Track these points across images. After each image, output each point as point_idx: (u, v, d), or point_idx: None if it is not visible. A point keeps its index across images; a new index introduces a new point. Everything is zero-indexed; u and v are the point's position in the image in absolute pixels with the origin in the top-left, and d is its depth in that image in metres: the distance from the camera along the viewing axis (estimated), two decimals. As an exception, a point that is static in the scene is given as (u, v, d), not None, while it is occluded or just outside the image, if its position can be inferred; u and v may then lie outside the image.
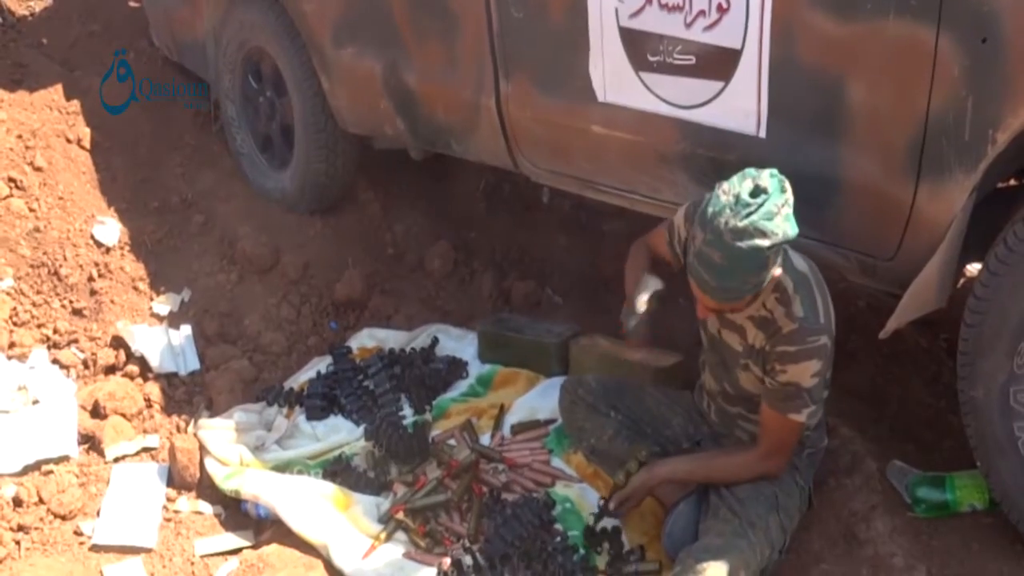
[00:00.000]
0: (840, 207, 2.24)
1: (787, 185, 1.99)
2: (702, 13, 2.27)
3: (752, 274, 1.99)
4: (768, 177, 1.98)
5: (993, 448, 2.11)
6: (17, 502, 2.69)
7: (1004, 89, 1.86)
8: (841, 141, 2.16)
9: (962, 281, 2.65)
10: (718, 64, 2.29)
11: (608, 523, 2.45)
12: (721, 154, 2.39)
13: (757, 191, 1.96)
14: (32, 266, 3.31)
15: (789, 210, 1.98)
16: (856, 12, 2.03)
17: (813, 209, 2.29)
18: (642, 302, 2.36)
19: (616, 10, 2.44)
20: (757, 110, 2.27)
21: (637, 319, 2.36)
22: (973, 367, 2.09)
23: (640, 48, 2.43)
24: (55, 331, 3.21)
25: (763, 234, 1.93)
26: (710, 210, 1.98)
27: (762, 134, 2.29)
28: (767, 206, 1.94)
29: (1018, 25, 1.81)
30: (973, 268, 2.42)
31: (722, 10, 2.23)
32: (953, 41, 1.90)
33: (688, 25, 2.31)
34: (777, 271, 2.04)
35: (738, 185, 1.98)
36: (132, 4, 4.59)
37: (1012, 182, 2.36)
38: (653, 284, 2.39)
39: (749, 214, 1.93)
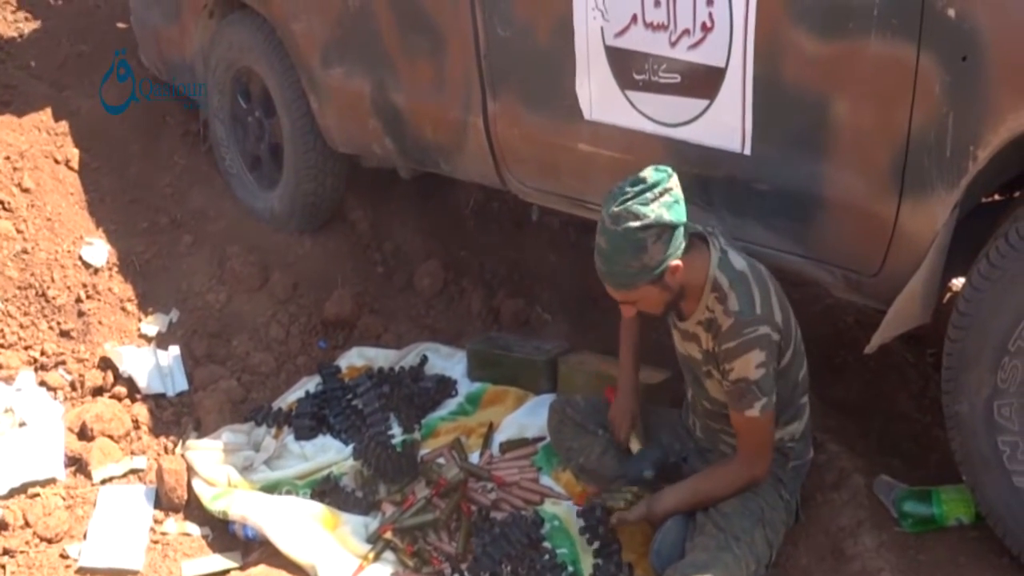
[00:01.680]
0: (824, 223, 2.25)
1: (673, 178, 2.12)
2: (687, 32, 2.29)
3: (631, 256, 2.10)
4: (652, 170, 2.13)
5: (978, 462, 2.12)
6: (3, 525, 2.67)
7: (984, 106, 1.88)
8: (825, 158, 2.18)
9: (948, 296, 2.67)
10: (703, 82, 2.31)
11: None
12: (707, 171, 2.41)
13: (637, 181, 2.11)
14: (19, 288, 3.29)
15: (670, 199, 2.09)
16: (838, 30, 2.05)
17: (798, 225, 2.31)
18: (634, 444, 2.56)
19: (602, 29, 2.46)
20: (742, 128, 2.29)
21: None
22: (957, 382, 2.11)
23: (626, 67, 2.45)
24: (42, 353, 3.19)
25: (635, 216, 2.07)
26: (602, 205, 2.13)
27: (747, 151, 2.31)
28: (645, 194, 2.08)
29: (998, 43, 1.84)
30: (959, 283, 2.44)
31: (706, 29, 2.25)
32: (934, 59, 1.92)
33: (673, 44, 2.33)
34: (674, 262, 2.12)
35: (626, 180, 2.13)
36: (120, 25, 4.60)
37: (995, 197, 2.38)
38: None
39: (625, 200, 2.09)
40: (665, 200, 2.09)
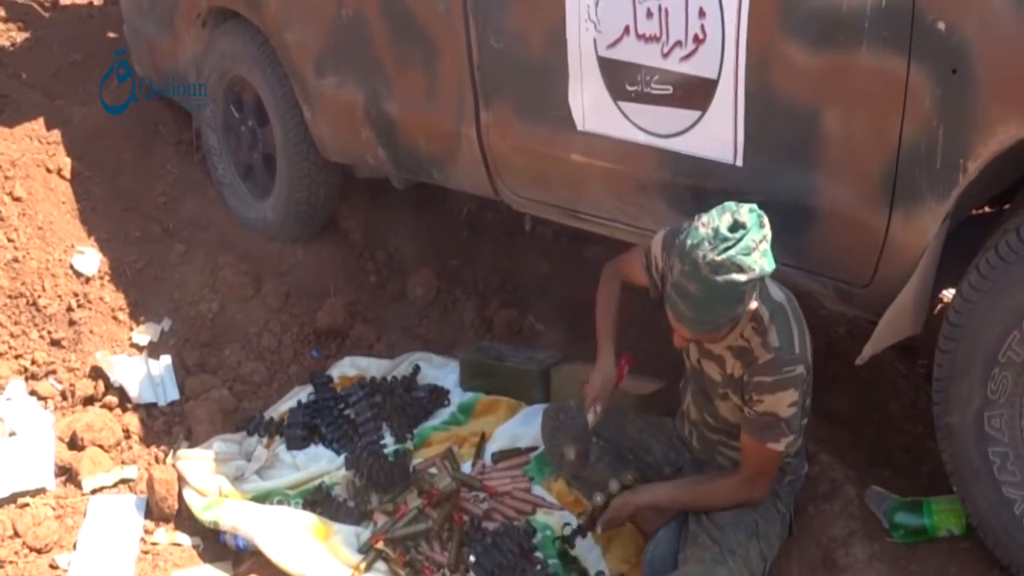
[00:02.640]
0: (816, 235, 2.26)
1: (766, 221, 2.02)
2: (679, 43, 2.30)
3: (728, 308, 2.01)
4: (747, 212, 2.01)
5: (969, 473, 2.13)
6: (-8, 535, 2.66)
7: (974, 119, 1.89)
8: (816, 170, 2.19)
9: (938, 307, 2.68)
10: (695, 94, 2.31)
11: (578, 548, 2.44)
12: (699, 182, 2.42)
13: (736, 226, 1.98)
14: (10, 296, 3.28)
15: (767, 246, 2.01)
16: (829, 43, 2.06)
17: (790, 237, 2.31)
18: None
19: (595, 40, 2.47)
20: (734, 139, 2.30)
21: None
22: (948, 393, 2.11)
23: (618, 78, 2.46)
24: (33, 362, 3.18)
25: (740, 269, 1.96)
26: (689, 242, 2.00)
27: (739, 163, 2.31)
28: (745, 241, 1.96)
29: (986, 56, 1.85)
30: (949, 294, 2.45)
31: (698, 40, 2.26)
32: (924, 71, 1.93)
33: (665, 55, 2.34)
34: (753, 304, 2.06)
35: (717, 219, 2.00)
36: (111, 35, 4.60)
37: (986, 209, 2.40)
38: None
39: (727, 248, 1.95)
40: (763, 248, 1.99)
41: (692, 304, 2.02)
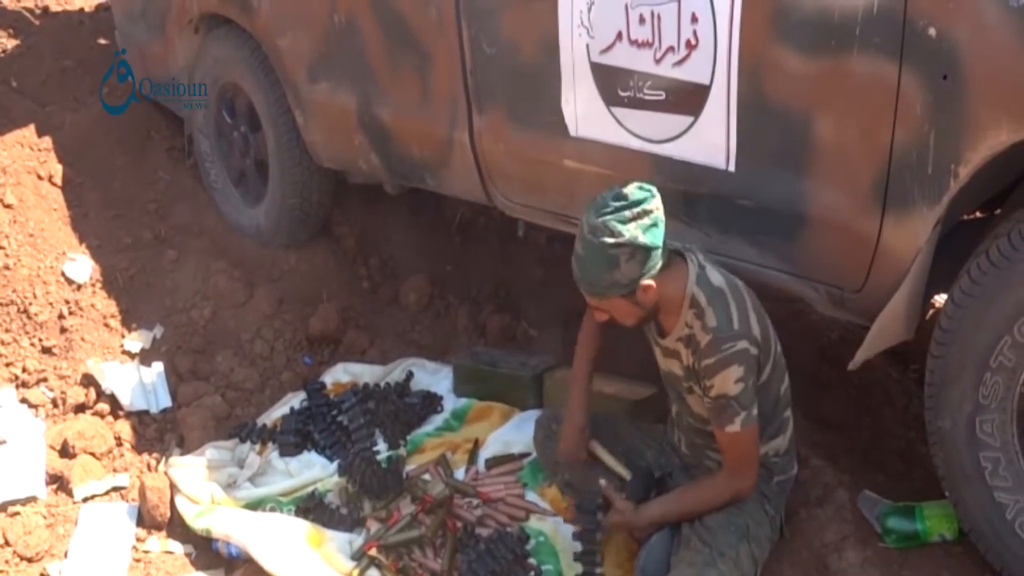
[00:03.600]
0: (808, 240, 2.27)
1: (654, 201, 2.13)
2: (671, 49, 2.31)
3: (603, 270, 2.13)
4: (636, 188, 2.14)
5: (961, 478, 2.13)
6: (-17, 544, 2.64)
7: (965, 125, 1.90)
8: (808, 175, 2.20)
9: (930, 312, 2.69)
10: (687, 99, 2.32)
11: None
12: (692, 188, 2.42)
13: (620, 197, 2.13)
14: (1, 304, 3.27)
15: (648, 221, 2.11)
16: (821, 49, 2.07)
17: (782, 242, 2.33)
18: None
19: (587, 46, 2.48)
20: (726, 145, 2.30)
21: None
22: (940, 398, 2.12)
23: (611, 83, 2.46)
24: (24, 370, 3.17)
25: (611, 233, 2.09)
26: (585, 208, 2.17)
27: (731, 168, 2.32)
28: (624, 211, 2.10)
29: (977, 62, 1.86)
30: (941, 299, 2.46)
31: (691, 46, 2.27)
32: (915, 77, 1.94)
33: (658, 61, 2.35)
34: (647, 281, 2.14)
35: (611, 191, 2.15)
36: (101, 41, 4.59)
37: (977, 214, 2.40)
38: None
39: (604, 214, 2.11)
40: (643, 222, 2.10)
41: (577, 263, 2.19)
